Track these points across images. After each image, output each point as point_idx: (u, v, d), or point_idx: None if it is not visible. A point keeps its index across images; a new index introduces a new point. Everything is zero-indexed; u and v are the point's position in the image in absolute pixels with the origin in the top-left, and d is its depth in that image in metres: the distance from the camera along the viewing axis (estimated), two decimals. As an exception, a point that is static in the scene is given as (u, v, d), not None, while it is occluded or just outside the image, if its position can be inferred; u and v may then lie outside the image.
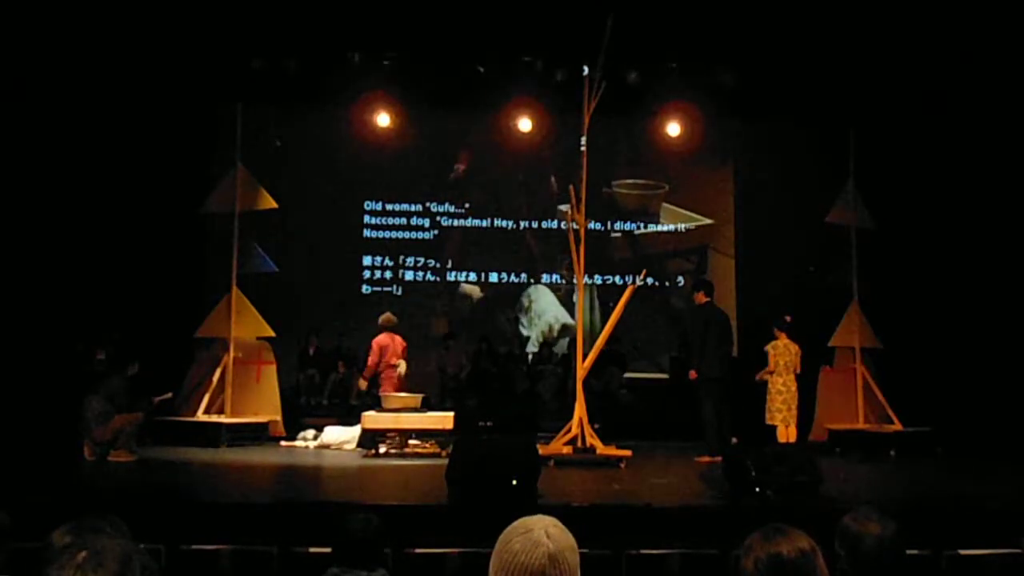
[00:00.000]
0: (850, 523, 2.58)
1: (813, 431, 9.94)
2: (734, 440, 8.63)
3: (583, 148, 8.89)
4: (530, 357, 12.35)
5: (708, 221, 12.73)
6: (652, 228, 12.81)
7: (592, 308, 12.40)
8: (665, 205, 12.81)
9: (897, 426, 9.60)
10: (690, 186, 12.66)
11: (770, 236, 11.63)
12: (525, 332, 12.68)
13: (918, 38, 9.10)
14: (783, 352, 8.69)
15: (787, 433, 8.57)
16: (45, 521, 2.52)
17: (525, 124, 11.37)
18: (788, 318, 8.80)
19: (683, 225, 12.78)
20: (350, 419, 9.72)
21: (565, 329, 12.56)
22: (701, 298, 9.05)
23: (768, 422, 8.64)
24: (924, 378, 9.60)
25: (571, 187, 8.62)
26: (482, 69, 10.45)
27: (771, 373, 8.65)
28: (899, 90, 9.93)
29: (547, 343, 12.43)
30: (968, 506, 6.10)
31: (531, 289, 12.80)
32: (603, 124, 9.07)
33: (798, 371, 8.68)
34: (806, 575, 1.95)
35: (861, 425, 9.93)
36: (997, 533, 4.93)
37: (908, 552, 2.93)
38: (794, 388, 8.64)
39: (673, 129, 11.33)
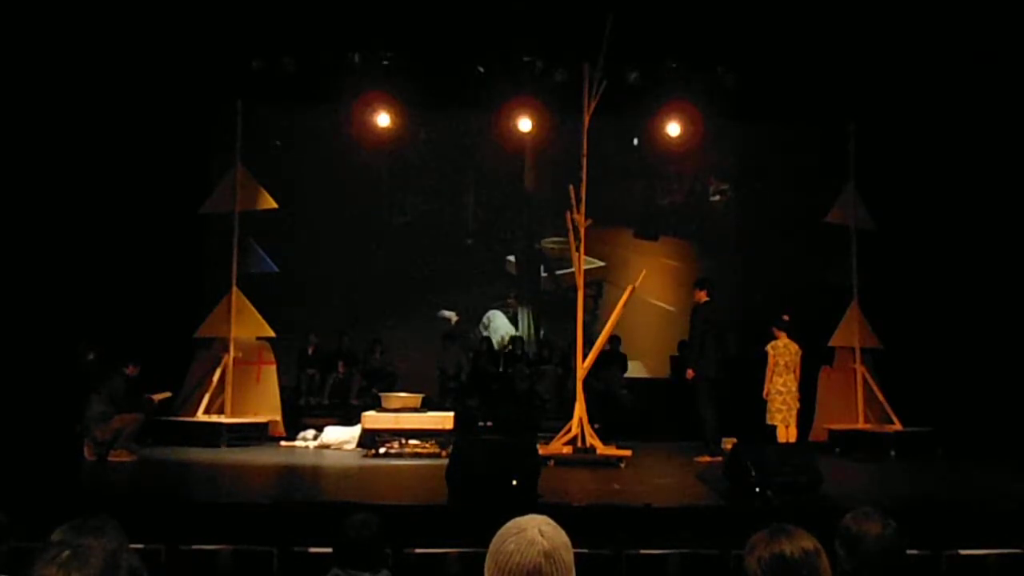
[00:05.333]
0: (850, 523, 2.58)
1: (813, 431, 9.92)
2: (725, 441, 8.60)
3: (583, 148, 8.87)
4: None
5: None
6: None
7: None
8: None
9: (897, 426, 9.59)
10: (689, 185, 12.64)
11: (770, 236, 11.62)
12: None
13: (918, 38, 9.10)
14: (783, 352, 8.68)
15: (787, 433, 8.56)
16: (45, 521, 2.51)
17: (525, 124, 11.34)
18: (786, 317, 8.79)
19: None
20: (350, 419, 9.72)
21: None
22: (702, 296, 9.02)
23: (768, 422, 8.62)
24: (924, 378, 9.59)
25: (571, 187, 8.61)
26: (482, 69, 10.44)
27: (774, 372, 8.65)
28: (899, 90, 9.93)
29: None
30: (968, 506, 6.11)
31: (490, 312, 12.74)
32: (603, 124, 9.04)
33: (798, 372, 8.68)
34: (809, 575, 1.95)
35: (861, 425, 9.92)
36: (997, 533, 4.94)
37: (908, 552, 2.93)
38: (794, 388, 8.63)
39: (673, 129, 11.31)
